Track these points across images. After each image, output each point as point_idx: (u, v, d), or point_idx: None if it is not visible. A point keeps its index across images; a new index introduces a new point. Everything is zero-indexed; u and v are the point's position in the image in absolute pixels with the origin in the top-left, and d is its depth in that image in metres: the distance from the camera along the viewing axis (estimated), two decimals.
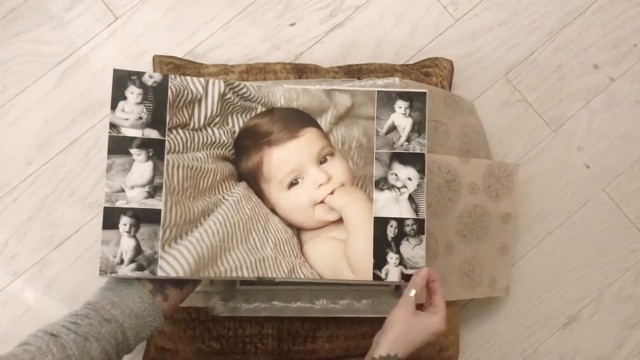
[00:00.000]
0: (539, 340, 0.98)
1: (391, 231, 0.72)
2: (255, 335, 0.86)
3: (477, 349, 0.98)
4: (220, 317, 0.85)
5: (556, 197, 1.01)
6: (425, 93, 0.74)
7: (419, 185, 0.73)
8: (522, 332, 0.99)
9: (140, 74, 0.69)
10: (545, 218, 1.00)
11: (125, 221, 0.67)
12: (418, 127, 0.73)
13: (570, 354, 0.98)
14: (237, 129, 0.73)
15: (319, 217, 0.73)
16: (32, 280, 0.96)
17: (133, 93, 0.68)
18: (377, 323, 0.87)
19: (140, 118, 0.68)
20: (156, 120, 0.68)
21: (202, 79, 0.71)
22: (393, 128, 0.74)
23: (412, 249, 0.72)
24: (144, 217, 0.67)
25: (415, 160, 0.73)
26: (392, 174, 0.73)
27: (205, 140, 0.72)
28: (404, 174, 0.73)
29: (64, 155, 0.98)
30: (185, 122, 0.70)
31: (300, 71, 0.93)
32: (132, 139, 0.68)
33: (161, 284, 0.67)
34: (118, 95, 0.68)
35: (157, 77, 0.69)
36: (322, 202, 0.73)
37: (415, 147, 0.73)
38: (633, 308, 0.99)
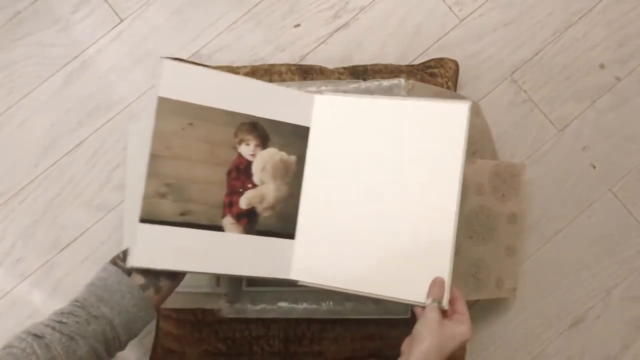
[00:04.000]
0: (545, 341, 0.98)
1: None
2: (261, 336, 0.86)
3: (484, 349, 0.98)
4: (227, 318, 0.85)
5: (562, 197, 1.00)
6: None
7: None
8: (529, 332, 0.98)
9: None
10: (551, 219, 1.00)
11: None
12: None
13: (577, 354, 0.98)
14: None
15: None
16: (38, 282, 0.96)
17: None
18: (384, 324, 0.87)
19: None
20: None
21: None
22: None
23: None
24: None
25: None
26: None
27: None
28: None
29: (70, 158, 0.98)
30: None
31: (306, 72, 0.93)
32: None
33: (155, 277, 0.65)
34: None
35: None
36: None
37: None
38: None
